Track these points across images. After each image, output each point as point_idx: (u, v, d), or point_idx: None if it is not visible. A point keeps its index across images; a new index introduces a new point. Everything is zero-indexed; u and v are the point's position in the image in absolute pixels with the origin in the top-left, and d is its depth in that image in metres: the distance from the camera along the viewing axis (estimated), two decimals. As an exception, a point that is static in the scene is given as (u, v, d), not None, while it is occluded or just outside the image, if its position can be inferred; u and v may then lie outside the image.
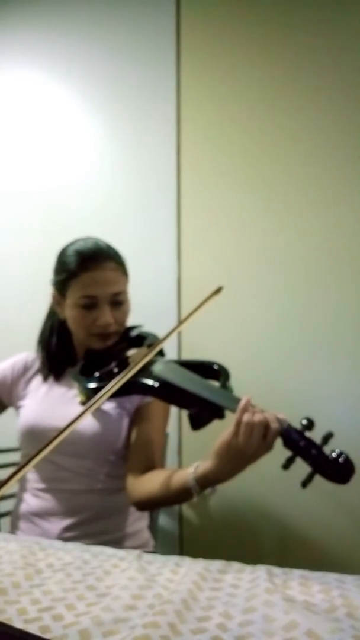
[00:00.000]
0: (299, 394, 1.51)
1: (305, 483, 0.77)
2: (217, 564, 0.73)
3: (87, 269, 1.07)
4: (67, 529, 1.06)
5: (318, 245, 1.54)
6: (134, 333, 1.17)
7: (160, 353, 1.08)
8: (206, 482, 0.89)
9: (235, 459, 0.84)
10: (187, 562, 0.74)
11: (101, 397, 0.73)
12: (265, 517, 1.53)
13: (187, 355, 1.64)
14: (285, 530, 1.51)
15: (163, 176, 1.70)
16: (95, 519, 1.08)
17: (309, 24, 1.57)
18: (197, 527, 1.60)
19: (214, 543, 1.58)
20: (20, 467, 0.57)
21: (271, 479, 1.49)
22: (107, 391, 0.74)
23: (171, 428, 1.56)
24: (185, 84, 1.70)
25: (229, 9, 1.65)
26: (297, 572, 0.70)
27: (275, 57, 1.60)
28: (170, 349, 1.61)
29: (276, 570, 0.71)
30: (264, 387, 1.54)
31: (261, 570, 0.70)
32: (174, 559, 0.76)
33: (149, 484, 1.00)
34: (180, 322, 1.02)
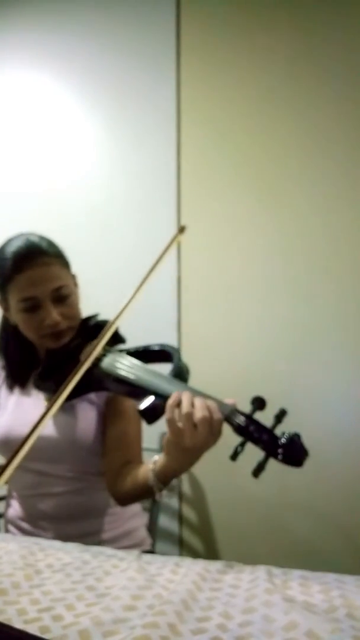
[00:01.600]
0: (298, 396, 1.51)
1: (256, 471, 0.72)
2: (216, 565, 0.73)
3: (21, 270, 0.99)
4: (58, 532, 1.05)
5: (318, 245, 1.54)
6: (91, 323, 1.11)
7: (118, 339, 1.03)
8: (166, 476, 0.87)
9: (186, 453, 0.80)
10: (186, 562, 0.74)
11: (54, 403, 0.71)
12: (266, 518, 1.53)
13: (187, 356, 1.63)
14: (285, 530, 1.51)
15: (163, 176, 1.70)
16: (84, 519, 1.07)
17: (309, 23, 1.57)
18: (197, 528, 1.60)
19: (213, 543, 1.58)
20: None
21: (271, 479, 1.49)
22: (58, 396, 0.72)
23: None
24: (185, 83, 1.69)
25: (229, 9, 1.65)
26: (297, 573, 0.70)
27: (275, 57, 1.60)
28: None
29: (276, 570, 0.71)
30: (263, 388, 1.54)
31: (261, 570, 0.70)
32: (173, 559, 0.76)
33: (127, 480, 0.98)
34: (143, 281, 0.96)
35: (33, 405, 1.11)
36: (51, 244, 1.06)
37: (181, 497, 1.62)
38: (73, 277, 1.10)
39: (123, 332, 1.13)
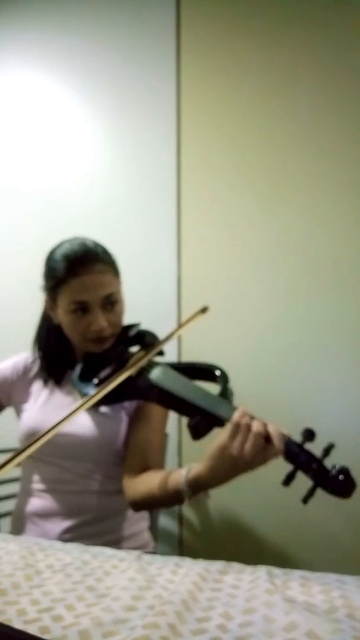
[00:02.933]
0: (299, 397, 1.51)
1: (306, 498, 0.76)
2: (217, 565, 0.73)
3: (76, 274, 1.02)
4: (68, 530, 1.06)
5: (319, 245, 1.53)
6: (132, 332, 1.15)
7: (160, 353, 1.06)
8: (198, 486, 0.86)
9: (228, 465, 0.81)
10: (187, 562, 0.74)
11: (87, 401, 0.72)
12: (266, 518, 1.53)
13: (186, 357, 1.64)
14: (285, 530, 1.51)
15: (163, 176, 1.70)
16: (95, 521, 1.08)
17: (309, 23, 1.57)
18: (197, 528, 1.60)
19: (214, 544, 1.58)
20: (4, 463, 0.56)
21: (271, 479, 1.49)
22: (93, 396, 0.73)
23: (171, 429, 1.56)
24: (185, 83, 1.69)
25: (229, 9, 1.65)
26: (298, 573, 0.70)
27: (275, 57, 1.60)
28: (170, 350, 1.61)
29: (276, 570, 0.71)
30: (264, 389, 1.54)
31: (261, 570, 0.70)
32: (173, 559, 0.76)
33: (144, 484, 0.99)
34: (165, 339, 1.00)
35: (64, 403, 1.13)
36: (105, 251, 1.09)
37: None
38: (121, 288, 1.13)
39: (133, 332, 1.16)
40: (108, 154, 1.79)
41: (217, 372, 0.99)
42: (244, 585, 0.66)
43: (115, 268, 1.11)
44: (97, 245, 1.09)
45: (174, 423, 1.59)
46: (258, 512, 1.53)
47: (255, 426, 0.78)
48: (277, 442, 0.77)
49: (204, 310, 1.06)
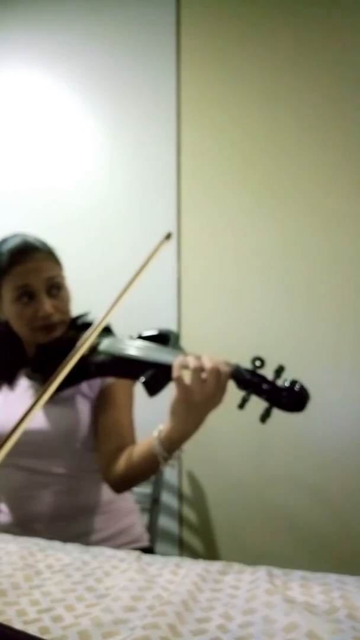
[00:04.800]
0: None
1: (263, 417, 0.77)
2: (217, 565, 0.73)
3: (17, 263, 1.05)
4: (53, 534, 1.04)
5: (318, 245, 1.53)
6: (80, 321, 1.13)
7: (110, 333, 1.05)
8: (171, 443, 0.87)
9: (193, 412, 0.83)
10: (187, 563, 0.74)
11: (49, 387, 0.70)
12: (266, 518, 1.53)
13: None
14: (286, 530, 1.51)
15: (163, 176, 1.70)
16: (79, 519, 1.07)
17: (309, 23, 1.56)
18: (197, 528, 1.60)
19: (213, 543, 1.58)
20: None
21: (272, 479, 1.49)
22: (54, 380, 0.72)
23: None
24: (185, 83, 1.69)
25: (229, 9, 1.65)
26: (298, 573, 0.70)
27: (275, 57, 1.60)
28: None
29: (276, 571, 0.70)
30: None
31: (261, 571, 0.70)
32: (173, 560, 0.76)
33: (120, 463, 0.99)
34: (129, 282, 0.98)
35: (20, 401, 1.11)
36: (44, 243, 1.12)
37: (181, 497, 1.62)
38: (64, 276, 1.14)
39: (123, 331, 1.14)
40: (108, 154, 1.79)
41: (163, 332, 0.99)
42: (244, 585, 0.66)
43: (55, 257, 1.12)
44: (35, 238, 1.12)
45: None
46: (258, 512, 1.53)
47: (207, 364, 0.80)
48: (224, 368, 0.80)
49: (167, 236, 1.04)
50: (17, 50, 1.93)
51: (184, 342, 1.63)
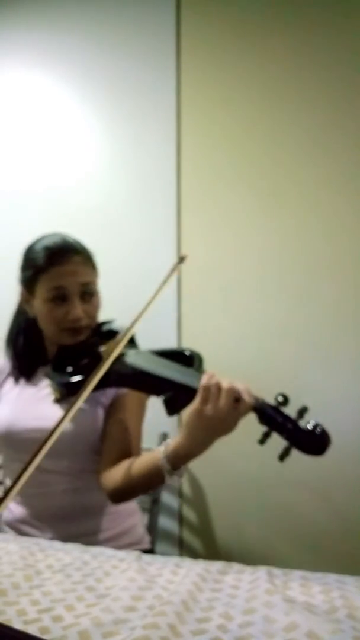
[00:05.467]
0: (299, 393, 1.51)
1: (282, 457, 0.77)
2: (217, 565, 0.73)
3: (55, 263, 1.06)
4: (57, 532, 1.05)
5: (318, 244, 1.53)
6: (105, 328, 1.15)
7: (134, 345, 1.07)
8: (177, 458, 0.86)
9: (205, 429, 0.82)
10: (187, 563, 0.74)
11: (83, 391, 0.72)
12: (266, 518, 1.53)
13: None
14: (286, 531, 1.51)
15: (163, 176, 1.70)
16: (81, 519, 1.07)
17: (309, 23, 1.56)
18: (197, 528, 1.60)
19: (213, 543, 1.58)
20: (14, 481, 0.56)
21: (272, 479, 1.49)
22: (86, 387, 0.73)
23: (171, 428, 1.56)
24: (185, 83, 1.69)
25: (229, 9, 1.65)
26: (298, 573, 0.70)
27: (275, 57, 1.60)
28: (169, 346, 1.61)
29: (276, 571, 0.71)
30: (264, 386, 1.54)
31: (261, 571, 0.70)
32: (173, 560, 0.76)
33: (119, 471, 0.98)
34: (147, 304, 1.00)
35: (36, 397, 1.12)
36: (84, 246, 1.13)
37: (181, 497, 1.62)
38: (97, 282, 1.16)
39: (106, 329, 1.17)
40: (108, 154, 1.79)
41: (188, 353, 1.00)
42: (244, 585, 0.66)
43: (93, 262, 1.13)
44: (75, 240, 1.13)
45: (174, 424, 1.59)
46: (258, 512, 1.53)
47: (225, 383, 0.80)
48: (247, 396, 0.80)
49: (181, 259, 1.06)
50: (17, 50, 1.93)
51: (185, 342, 1.64)
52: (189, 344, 1.63)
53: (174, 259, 1.67)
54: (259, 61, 1.61)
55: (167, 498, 1.60)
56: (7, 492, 0.53)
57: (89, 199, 1.80)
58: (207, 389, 0.81)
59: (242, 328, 1.59)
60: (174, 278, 1.02)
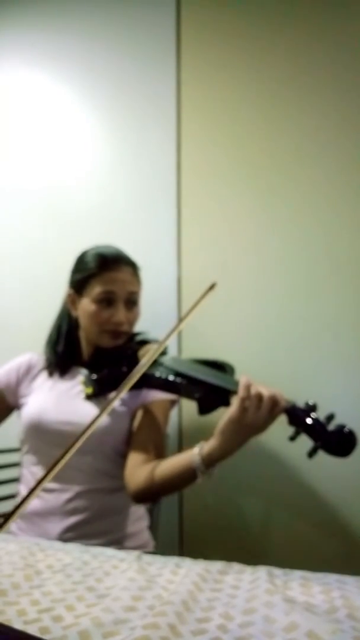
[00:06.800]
0: (299, 387, 1.51)
1: (311, 454, 0.82)
2: (217, 565, 0.73)
3: (109, 269, 1.15)
4: (68, 529, 1.06)
5: (318, 244, 1.53)
6: (139, 338, 1.22)
7: (163, 353, 1.13)
8: (212, 459, 0.91)
9: (241, 433, 0.87)
10: (187, 563, 0.74)
11: (122, 389, 0.73)
12: (266, 519, 1.53)
13: (187, 357, 1.64)
14: (286, 530, 1.51)
15: (163, 176, 1.70)
16: (95, 519, 1.08)
17: (309, 24, 1.56)
18: (198, 528, 1.60)
19: (214, 544, 1.58)
20: (48, 470, 0.56)
21: (273, 478, 1.49)
22: (126, 384, 0.74)
23: (171, 428, 1.57)
24: (185, 83, 1.69)
25: (230, 9, 1.65)
26: (298, 573, 0.70)
27: (276, 58, 1.60)
28: (170, 348, 1.61)
29: (277, 571, 0.71)
30: (264, 381, 1.54)
31: (261, 571, 0.70)
32: (174, 559, 0.76)
33: (147, 472, 1.00)
34: (180, 320, 1.06)
35: (68, 392, 1.18)
36: (134, 261, 1.25)
37: (181, 497, 1.62)
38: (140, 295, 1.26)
39: (139, 339, 1.24)
40: (108, 154, 1.79)
41: (221, 364, 1.08)
42: (244, 585, 0.66)
43: (139, 275, 1.24)
44: (128, 255, 1.23)
45: (175, 425, 1.59)
46: (258, 511, 1.53)
47: (265, 392, 0.86)
48: (282, 401, 0.86)
49: (212, 287, 1.10)
50: (17, 50, 1.93)
51: (184, 342, 1.64)
52: (189, 344, 1.63)
53: (174, 259, 1.67)
54: (259, 61, 1.61)
55: (167, 498, 1.60)
56: (39, 482, 0.53)
57: (89, 198, 1.80)
58: (246, 399, 0.86)
59: (242, 327, 1.59)
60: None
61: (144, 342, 1.20)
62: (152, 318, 1.62)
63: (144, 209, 1.72)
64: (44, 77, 1.88)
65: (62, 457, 0.59)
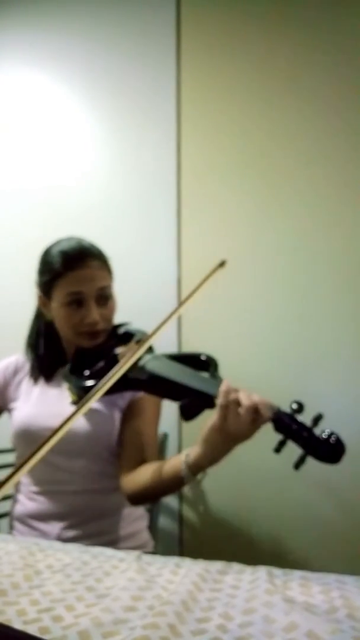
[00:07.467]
0: (297, 387, 1.50)
1: (297, 465, 0.78)
2: (217, 565, 0.73)
3: (72, 268, 1.07)
4: (65, 531, 1.06)
5: (317, 243, 1.53)
6: (121, 330, 1.17)
7: (150, 349, 1.08)
8: (198, 468, 0.89)
9: (225, 442, 0.84)
10: (186, 563, 0.74)
11: (93, 395, 0.72)
12: (266, 518, 1.53)
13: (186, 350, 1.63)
14: (285, 531, 1.51)
15: (163, 176, 1.70)
16: (92, 520, 1.08)
17: (309, 25, 1.56)
18: (197, 528, 1.60)
19: (214, 544, 1.58)
20: (16, 469, 0.56)
21: (273, 480, 1.49)
22: (99, 389, 0.74)
23: (171, 429, 1.56)
24: (185, 84, 1.69)
25: (229, 10, 1.65)
26: (298, 573, 0.70)
27: (275, 58, 1.60)
28: (170, 345, 1.61)
29: (276, 571, 0.70)
30: (263, 380, 1.53)
31: (261, 571, 0.70)
32: (173, 560, 0.76)
33: (141, 476, 1.00)
34: (189, 295, 1.01)
35: (57, 397, 1.14)
36: (100, 250, 1.15)
37: (181, 497, 1.62)
38: (113, 283, 1.17)
39: (122, 331, 1.17)
40: (108, 154, 1.79)
41: (204, 358, 1.02)
42: (243, 585, 0.66)
43: (108, 266, 1.15)
44: (91, 244, 1.13)
45: (174, 423, 1.59)
46: (258, 512, 1.53)
47: (244, 400, 0.80)
48: (265, 411, 0.79)
49: (222, 264, 1.06)
50: (17, 50, 1.93)
51: (185, 342, 1.64)
52: (188, 344, 1.63)
53: (173, 259, 1.67)
54: (259, 61, 1.61)
55: (167, 498, 1.60)
56: (7, 478, 0.53)
57: (88, 198, 1.80)
58: (226, 406, 0.81)
59: (242, 327, 1.59)
60: (210, 281, 1.03)
61: (128, 335, 1.15)
62: (152, 318, 1.62)
63: (143, 209, 1.72)
64: (44, 77, 1.88)
65: (32, 454, 0.59)
